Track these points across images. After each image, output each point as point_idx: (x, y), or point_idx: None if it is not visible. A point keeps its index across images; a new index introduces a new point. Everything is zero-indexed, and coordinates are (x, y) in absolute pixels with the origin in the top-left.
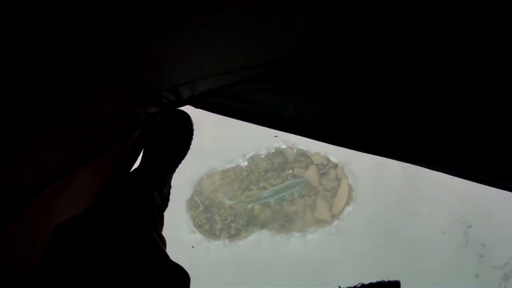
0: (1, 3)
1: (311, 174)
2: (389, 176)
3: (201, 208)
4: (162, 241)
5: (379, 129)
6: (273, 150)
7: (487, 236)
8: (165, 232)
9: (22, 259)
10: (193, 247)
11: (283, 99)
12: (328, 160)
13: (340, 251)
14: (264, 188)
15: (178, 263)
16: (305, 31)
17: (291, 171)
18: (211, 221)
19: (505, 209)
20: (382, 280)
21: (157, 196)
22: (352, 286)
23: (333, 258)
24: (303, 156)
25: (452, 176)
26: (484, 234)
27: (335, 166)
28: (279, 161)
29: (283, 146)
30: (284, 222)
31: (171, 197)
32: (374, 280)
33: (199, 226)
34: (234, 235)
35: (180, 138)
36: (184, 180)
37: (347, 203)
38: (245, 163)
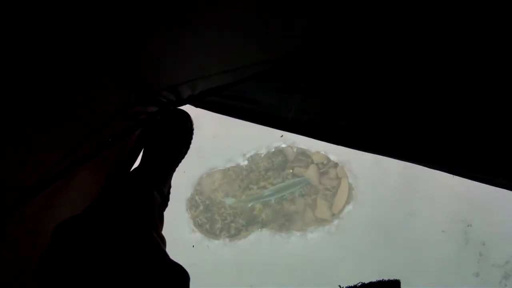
0: (1, 3)
1: (311, 173)
2: (389, 175)
3: (201, 207)
4: (162, 240)
5: (379, 128)
6: (273, 149)
7: (487, 235)
8: (165, 232)
9: (22, 259)
10: (193, 246)
11: (283, 98)
12: (328, 159)
13: (340, 250)
14: (264, 187)
15: (178, 262)
16: (305, 31)
17: (291, 171)
18: (211, 220)
19: (505, 208)
20: (382, 279)
21: (157, 195)
22: (352, 285)
23: (333, 258)
24: (303, 155)
25: (452, 176)
26: (484, 233)
27: (335, 165)
28: (279, 160)
29: (283, 145)
30: (284, 222)
31: (171, 196)
32: (374, 279)
33: (199, 226)
34: (234, 235)
35: (180, 137)
36: (184, 179)
37: (347, 202)
38: (245, 162)
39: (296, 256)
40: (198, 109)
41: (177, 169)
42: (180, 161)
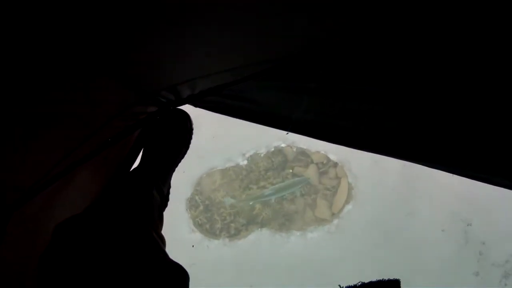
0: (1, 3)
1: (311, 173)
2: (388, 175)
3: (201, 207)
4: (162, 240)
5: (379, 128)
6: (273, 149)
7: (487, 234)
8: (165, 232)
9: (22, 259)
10: (193, 246)
11: (283, 98)
12: (328, 159)
13: (340, 250)
14: (264, 187)
15: (178, 262)
16: (305, 31)
17: (291, 170)
18: (211, 220)
19: (504, 207)
20: (382, 279)
21: (156, 195)
22: (352, 285)
23: (333, 257)
24: (303, 155)
25: (451, 175)
26: (484, 232)
27: (335, 165)
28: (279, 160)
29: (283, 145)
30: (284, 221)
31: (171, 196)
32: (374, 278)
33: (199, 226)
34: (234, 235)
35: (179, 137)
36: (184, 179)
37: (347, 201)
38: (245, 162)
39: (296, 255)
40: (198, 109)
41: (176, 169)
42: (179, 161)
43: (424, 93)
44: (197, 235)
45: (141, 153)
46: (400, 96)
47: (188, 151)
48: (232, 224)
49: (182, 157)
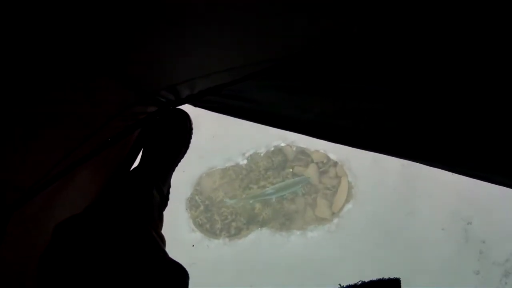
0: (1, 3)
1: (311, 172)
2: (388, 174)
3: (202, 207)
4: (162, 239)
5: (379, 127)
6: (272, 148)
7: (487, 232)
8: (165, 231)
9: (22, 259)
10: (193, 246)
11: (282, 97)
12: (328, 158)
13: (340, 249)
14: (265, 187)
15: (178, 261)
16: (305, 30)
17: (291, 170)
18: (211, 220)
19: (505, 206)
20: (383, 278)
21: (156, 195)
22: (353, 284)
23: (333, 256)
24: (303, 154)
25: (451, 174)
26: (484, 230)
27: (335, 164)
28: (279, 160)
29: (282, 144)
30: (284, 221)
31: (171, 196)
32: (374, 277)
33: (199, 226)
34: (234, 234)
35: (179, 137)
36: (183, 179)
37: (347, 201)
38: (245, 162)
39: (296, 255)
40: (197, 108)
41: (176, 168)
42: (179, 161)
43: (424, 92)
44: (197, 235)
45: (141, 153)
46: (400, 95)
47: (188, 151)
48: (233, 224)
49: (182, 157)
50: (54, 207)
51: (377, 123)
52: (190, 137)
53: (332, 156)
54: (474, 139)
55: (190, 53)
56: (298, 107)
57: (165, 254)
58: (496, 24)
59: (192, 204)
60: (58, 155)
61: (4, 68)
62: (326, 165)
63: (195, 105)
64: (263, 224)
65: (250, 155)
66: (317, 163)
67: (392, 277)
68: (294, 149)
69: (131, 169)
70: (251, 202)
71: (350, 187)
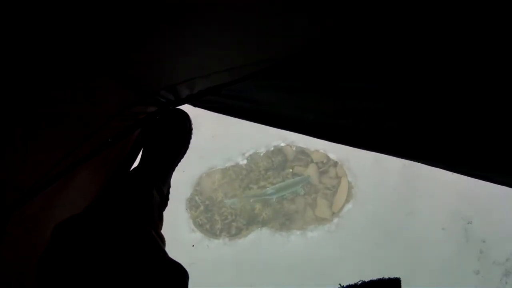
0: (1, 3)
1: (311, 172)
2: (388, 174)
3: (202, 208)
4: (161, 239)
5: (379, 126)
6: (272, 148)
7: (488, 232)
8: (165, 232)
9: (22, 259)
10: (193, 246)
11: (282, 97)
12: (328, 158)
13: (340, 249)
14: (265, 187)
15: (178, 261)
16: (305, 31)
17: (291, 170)
18: (212, 220)
19: (505, 205)
20: (383, 277)
21: (156, 195)
22: (353, 283)
23: (333, 256)
24: (303, 154)
25: (451, 173)
26: (484, 230)
27: (335, 164)
28: (279, 160)
29: (282, 144)
30: (284, 221)
31: (171, 196)
32: (374, 277)
33: (199, 226)
34: (234, 234)
35: (179, 137)
36: (183, 179)
37: (347, 200)
38: (244, 161)
39: (296, 255)
40: (197, 108)
41: (176, 168)
42: (179, 161)
43: (424, 91)
44: (197, 235)
45: (140, 153)
46: (400, 94)
47: (188, 151)
48: (233, 224)
49: (182, 157)
50: (54, 207)
51: (377, 122)
52: (190, 137)
53: (332, 156)
54: (474, 138)
55: (190, 53)
56: (298, 107)
57: (165, 254)
58: (496, 23)
59: (192, 204)
60: (58, 155)
61: (4, 68)
62: (326, 165)
63: (195, 105)
64: (263, 224)
65: (250, 155)
66: (317, 163)
67: (392, 276)
68: (294, 149)
69: (131, 169)
70: (251, 201)
71: (350, 187)
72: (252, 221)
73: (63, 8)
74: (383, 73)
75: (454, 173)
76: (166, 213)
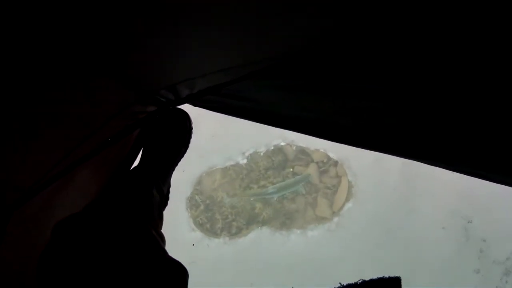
0: (1, 3)
1: (311, 172)
2: (388, 173)
3: (202, 207)
4: (161, 238)
5: (378, 125)
6: (272, 147)
7: (488, 231)
8: (165, 231)
9: (22, 259)
10: (193, 245)
11: (282, 96)
12: (328, 158)
13: (340, 248)
14: (265, 186)
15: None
16: (305, 30)
17: (291, 169)
18: (212, 220)
19: (505, 204)
20: (383, 276)
21: (156, 194)
22: (353, 282)
23: (333, 255)
24: (303, 154)
25: (451, 172)
26: (484, 229)
27: (335, 163)
28: (279, 159)
29: (282, 143)
30: (285, 220)
31: (171, 195)
32: (374, 276)
33: (200, 225)
34: (235, 234)
35: (179, 136)
36: (184, 178)
37: (347, 199)
38: (245, 161)
39: (296, 254)
40: (197, 108)
41: (176, 168)
42: (179, 160)
43: (423, 90)
44: (197, 234)
45: (141, 153)
46: (399, 93)
47: (188, 150)
48: (234, 224)
49: (182, 156)
50: (54, 207)
51: (377, 121)
52: (190, 137)
53: (332, 155)
54: (474, 137)
55: (190, 52)
56: (297, 106)
57: (165, 252)
58: (496, 22)
59: (192, 203)
60: (58, 155)
61: (4, 68)
62: (326, 164)
63: (195, 105)
64: (263, 223)
65: (250, 155)
66: (317, 163)
67: (392, 275)
68: (294, 148)
69: (131, 168)
70: (251, 199)
71: (350, 186)
72: (252, 221)
73: (63, 8)
74: (383, 73)
75: (454, 172)
76: (166, 213)
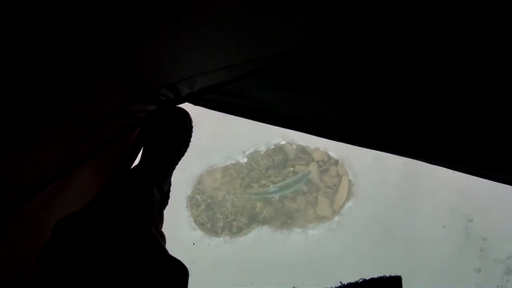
0: (1, 3)
1: (312, 171)
2: (388, 172)
3: (203, 206)
4: (162, 237)
5: (379, 124)
6: (273, 146)
7: (488, 230)
8: (166, 230)
9: (22, 259)
10: (194, 244)
11: (282, 95)
12: (329, 157)
13: (340, 247)
14: (265, 185)
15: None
16: (305, 30)
17: (292, 169)
18: (213, 219)
19: (506, 203)
20: (383, 275)
21: (156, 193)
22: (354, 281)
23: (333, 254)
24: (304, 153)
25: (452, 171)
26: (485, 228)
27: (336, 162)
28: (280, 158)
29: (283, 142)
30: (285, 219)
31: (171, 194)
32: (375, 275)
33: (200, 225)
34: (236, 233)
35: (179, 135)
36: (184, 177)
37: (347, 198)
38: (245, 160)
39: (297, 253)
40: (197, 107)
41: (176, 167)
42: (179, 159)
43: (424, 89)
44: (198, 233)
45: (141, 152)
46: (400, 92)
47: (188, 149)
48: (234, 223)
49: (182, 155)
50: (54, 206)
51: (377, 120)
52: (190, 136)
53: (333, 155)
54: (474, 136)
55: (190, 52)
56: (298, 105)
57: (165, 251)
58: (496, 21)
59: (193, 203)
60: (58, 155)
61: (4, 68)
62: (327, 163)
63: (195, 104)
64: (264, 222)
65: (251, 153)
66: (317, 162)
67: (393, 274)
68: (294, 147)
69: (132, 167)
70: (253, 198)
71: (350, 185)
72: (253, 220)
73: (63, 8)
74: (383, 71)
75: (454, 171)
76: (166, 212)
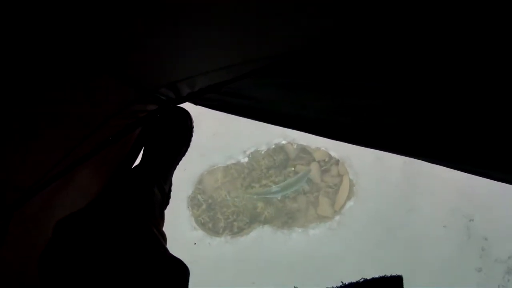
0: (1, 3)
1: (313, 170)
2: (389, 171)
3: (204, 206)
4: (163, 236)
5: (378, 123)
6: (273, 146)
7: (490, 229)
8: (167, 230)
9: (22, 259)
10: (195, 243)
11: (282, 95)
12: (330, 156)
13: (341, 246)
14: (267, 185)
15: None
16: (305, 30)
17: (293, 168)
18: (214, 219)
19: (506, 202)
20: (385, 275)
21: (157, 192)
22: (355, 281)
23: (334, 253)
24: (304, 153)
25: (452, 170)
26: (486, 227)
27: (337, 162)
28: (281, 158)
29: (283, 142)
30: (287, 219)
31: (172, 194)
32: (376, 274)
33: (202, 225)
34: (237, 233)
35: (180, 135)
36: (185, 177)
37: (348, 198)
38: (246, 159)
39: (298, 252)
40: (198, 107)
41: (177, 166)
42: (180, 159)
43: (423, 88)
44: (199, 233)
45: (142, 151)
46: (399, 91)
47: (189, 149)
48: (235, 223)
49: (183, 155)
50: (54, 207)
51: (376, 119)
52: (191, 135)
53: (334, 154)
54: (474, 135)
55: (190, 52)
56: (297, 104)
57: (166, 250)
58: (496, 21)
59: (194, 203)
60: (58, 155)
61: (4, 68)
62: (328, 163)
63: (196, 103)
64: (265, 222)
65: (251, 153)
66: (318, 162)
67: (394, 274)
68: (295, 146)
69: (132, 167)
70: (254, 197)
71: (351, 184)
72: (254, 219)
73: (63, 7)
74: (383, 71)
75: (455, 170)
76: (167, 211)
